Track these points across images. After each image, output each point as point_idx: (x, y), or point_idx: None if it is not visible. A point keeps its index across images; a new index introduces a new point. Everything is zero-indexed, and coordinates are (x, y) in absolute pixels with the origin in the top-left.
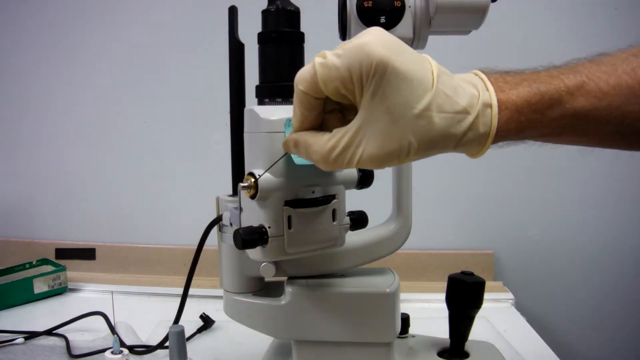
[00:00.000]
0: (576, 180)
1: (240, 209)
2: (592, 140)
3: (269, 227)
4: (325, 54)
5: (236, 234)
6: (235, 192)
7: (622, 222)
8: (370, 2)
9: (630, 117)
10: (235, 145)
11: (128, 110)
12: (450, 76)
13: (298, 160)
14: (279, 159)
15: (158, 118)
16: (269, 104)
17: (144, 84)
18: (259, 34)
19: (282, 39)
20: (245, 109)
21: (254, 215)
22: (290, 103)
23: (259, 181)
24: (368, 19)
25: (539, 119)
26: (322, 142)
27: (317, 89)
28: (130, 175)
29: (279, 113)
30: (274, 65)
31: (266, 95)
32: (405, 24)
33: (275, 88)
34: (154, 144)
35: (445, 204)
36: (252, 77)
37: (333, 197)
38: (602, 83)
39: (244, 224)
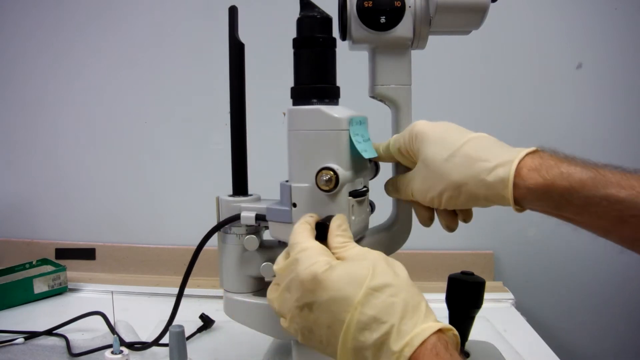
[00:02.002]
0: None
1: (294, 205)
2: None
3: None
4: None
5: (323, 226)
6: (235, 192)
7: None
8: (370, 2)
9: None
10: (235, 145)
11: (128, 110)
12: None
13: (366, 154)
14: None
15: (158, 118)
16: (317, 104)
17: (144, 84)
18: (305, 39)
19: (331, 44)
20: (309, 108)
21: (318, 208)
22: (334, 104)
23: (339, 174)
24: (368, 19)
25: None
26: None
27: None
28: (130, 176)
29: (342, 112)
30: (324, 68)
31: (316, 96)
32: (405, 24)
33: (329, 89)
34: (154, 144)
35: None
36: (252, 77)
37: (367, 188)
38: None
39: (296, 219)
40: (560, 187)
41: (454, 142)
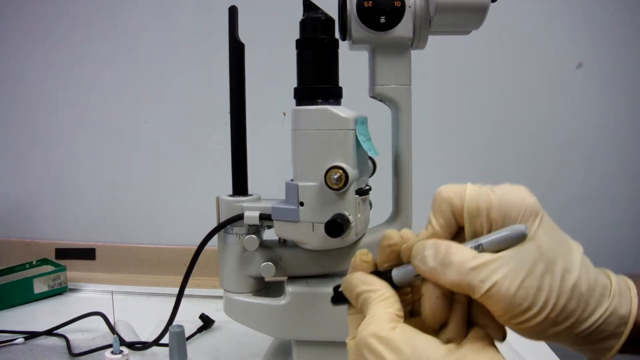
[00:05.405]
0: (576, 179)
1: (301, 203)
2: None
3: (349, 215)
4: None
5: (335, 223)
6: (235, 192)
7: (621, 222)
8: (370, 2)
9: None
10: (235, 145)
11: (128, 110)
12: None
13: (371, 152)
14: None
15: (158, 118)
16: (322, 104)
17: (144, 84)
18: (310, 40)
19: (334, 45)
20: (317, 108)
21: (326, 207)
22: (338, 104)
23: (348, 173)
24: (368, 19)
25: None
26: (464, 251)
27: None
28: (130, 176)
29: (348, 112)
30: (329, 68)
31: (321, 96)
32: (405, 24)
33: (333, 90)
34: (154, 144)
35: None
36: (252, 77)
37: (369, 186)
38: None
39: (303, 218)
40: None
41: (577, 248)
